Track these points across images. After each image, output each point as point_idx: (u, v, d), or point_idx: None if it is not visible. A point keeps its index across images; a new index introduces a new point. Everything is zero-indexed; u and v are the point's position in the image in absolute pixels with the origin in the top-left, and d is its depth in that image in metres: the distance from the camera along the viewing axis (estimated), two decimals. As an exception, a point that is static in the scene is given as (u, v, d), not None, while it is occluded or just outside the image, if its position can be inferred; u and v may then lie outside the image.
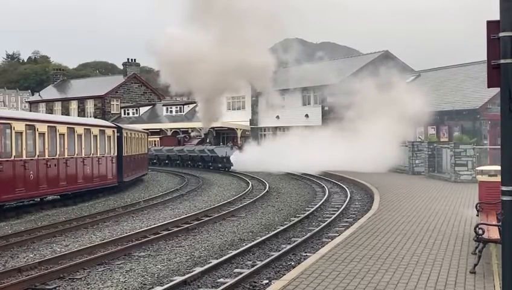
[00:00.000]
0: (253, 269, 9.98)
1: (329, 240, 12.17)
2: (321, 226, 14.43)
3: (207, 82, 39.36)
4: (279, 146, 37.61)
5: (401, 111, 29.23)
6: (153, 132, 51.08)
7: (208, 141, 44.00)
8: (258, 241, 12.71)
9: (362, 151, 29.80)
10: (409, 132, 31.11)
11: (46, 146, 19.93)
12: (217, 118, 45.00)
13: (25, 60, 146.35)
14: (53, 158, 20.29)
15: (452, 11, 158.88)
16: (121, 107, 64.08)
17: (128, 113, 63.22)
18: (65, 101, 66.66)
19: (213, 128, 46.20)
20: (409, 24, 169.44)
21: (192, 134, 47.95)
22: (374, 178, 25.09)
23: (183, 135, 47.76)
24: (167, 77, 44.03)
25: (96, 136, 24.11)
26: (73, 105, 65.51)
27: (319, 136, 35.55)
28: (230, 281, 9.21)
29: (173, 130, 54.32)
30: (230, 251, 11.92)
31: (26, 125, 18.79)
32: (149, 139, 50.80)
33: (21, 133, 18.35)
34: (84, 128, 23.19)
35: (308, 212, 17.11)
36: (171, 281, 9.48)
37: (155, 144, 49.74)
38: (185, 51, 39.04)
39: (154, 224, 15.81)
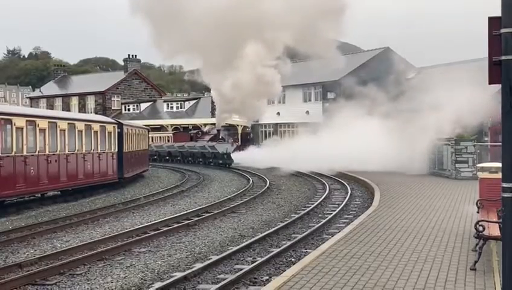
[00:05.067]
0: (253, 265, 9.99)
1: (330, 236, 12.18)
2: (321, 222, 14.44)
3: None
4: (292, 143, 35.83)
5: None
6: (154, 128, 51.05)
7: (221, 137, 43.54)
8: (258, 237, 12.72)
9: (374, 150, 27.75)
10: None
11: (47, 142, 19.93)
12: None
13: (26, 56, 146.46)
14: (54, 154, 20.29)
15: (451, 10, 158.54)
16: (122, 103, 64.08)
17: (128, 109, 63.23)
18: (66, 97, 66.66)
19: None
20: (409, 22, 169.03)
21: (205, 129, 47.62)
22: (376, 176, 25.01)
23: (195, 131, 47.60)
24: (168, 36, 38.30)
25: (96, 132, 24.10)
26: (74, 101, 65.50)
27: (325, 133, 34.17)
28: (230, 277, 9.22)
29: (174, 126, 54.31)
30: (230, 247, 11.93)
31: (26, 121, 18.79)
32: (161, 135, 50.86)
33: (22, 128, 18.36)
34: (85, 124, 23.18)
35: (308, 209, 17.12)
36: (171, 277, 9.49)
37: (168, 140, 49.60)
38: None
39: (155, 220, 15.83)
